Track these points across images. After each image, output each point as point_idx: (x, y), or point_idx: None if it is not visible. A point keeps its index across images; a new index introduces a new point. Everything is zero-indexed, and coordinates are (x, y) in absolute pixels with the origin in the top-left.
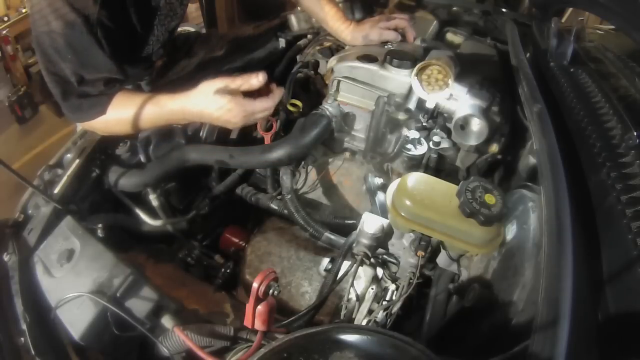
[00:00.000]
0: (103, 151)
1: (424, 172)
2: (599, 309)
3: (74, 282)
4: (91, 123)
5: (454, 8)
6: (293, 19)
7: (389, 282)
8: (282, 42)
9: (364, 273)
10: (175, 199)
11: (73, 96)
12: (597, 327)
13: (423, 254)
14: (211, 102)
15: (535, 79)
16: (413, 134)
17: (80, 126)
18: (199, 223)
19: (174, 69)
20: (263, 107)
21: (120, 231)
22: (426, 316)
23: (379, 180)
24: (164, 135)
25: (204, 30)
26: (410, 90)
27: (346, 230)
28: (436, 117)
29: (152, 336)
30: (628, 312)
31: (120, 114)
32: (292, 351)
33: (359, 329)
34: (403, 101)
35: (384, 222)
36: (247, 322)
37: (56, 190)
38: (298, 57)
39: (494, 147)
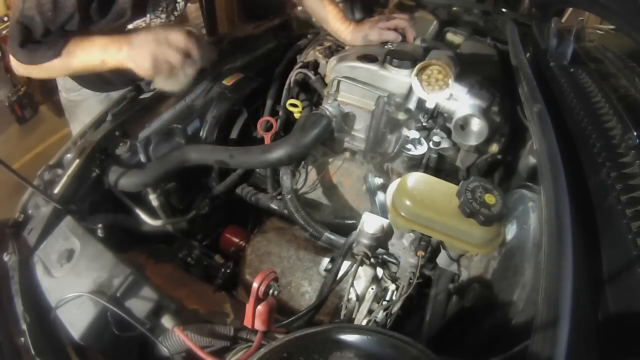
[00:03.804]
0: (103, 151)
1: (424, 172)
2: (599, 309)
3: (74, 282)
4: (39, 66)
5: (454, 8)
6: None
7: (389, 282)
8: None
9: (364, 273)
10: (175, 199)
11: (31, 43)
12: (597, 327)
13: (423, 254)
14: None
15: (535, 79)
16: (413, 134)
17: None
18: (199, 223)
19: None
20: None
21: (120, 231)
22: (426, 316)
23: (379, 180)
24: (164, 135)
25: (204, 30)
26: (410, 90)
27: (346, 230)
28: (436, 117)
29: (152, 336)
30: (628, 312)
31: (67, 59)
32: (292, 351)
33: (359, 329)
34: (403, 101)
35: (384, 222)
36: (247, 322)
37: (56, 190)
38: (298, 57)
39: (494, 147)
